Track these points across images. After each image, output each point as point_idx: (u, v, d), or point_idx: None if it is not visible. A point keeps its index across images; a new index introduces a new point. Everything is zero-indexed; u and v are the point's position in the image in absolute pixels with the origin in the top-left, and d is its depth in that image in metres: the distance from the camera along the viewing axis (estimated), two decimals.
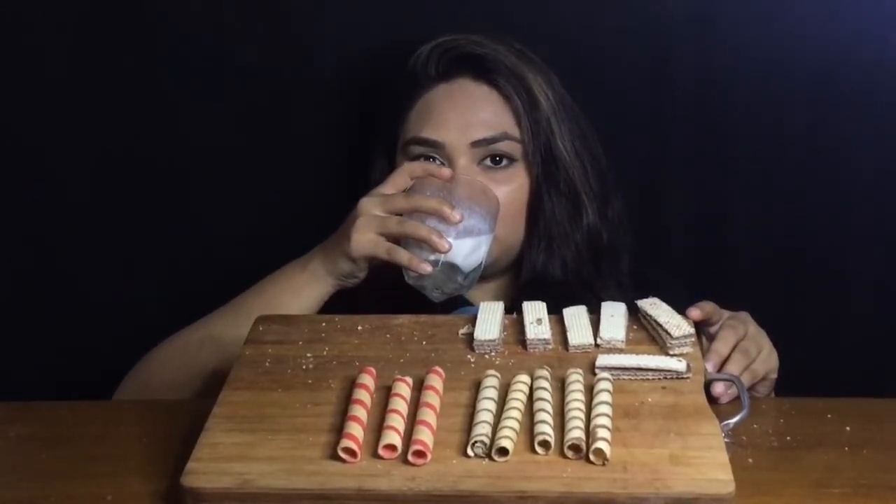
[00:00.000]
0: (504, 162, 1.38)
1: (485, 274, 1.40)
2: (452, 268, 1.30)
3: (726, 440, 1.01)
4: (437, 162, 1.38)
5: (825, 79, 1.56)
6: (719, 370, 1.15)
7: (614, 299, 1.20)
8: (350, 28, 1.56)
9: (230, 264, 1.60)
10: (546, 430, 0.98)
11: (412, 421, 1.00)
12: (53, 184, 1.61)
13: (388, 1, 1.56)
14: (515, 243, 1.41)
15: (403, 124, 1.41)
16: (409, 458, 0.96)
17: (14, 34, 1.56)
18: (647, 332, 1.16)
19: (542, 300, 1.18)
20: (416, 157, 1.39)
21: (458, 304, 1.38)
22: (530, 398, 1.04)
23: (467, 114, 1.38)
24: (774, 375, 1.25)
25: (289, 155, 1.62)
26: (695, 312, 1.17)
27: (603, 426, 0.98)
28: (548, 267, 1.39)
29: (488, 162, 1.38)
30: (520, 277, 1.42)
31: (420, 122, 1.39)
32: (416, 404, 1.03)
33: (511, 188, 1.38)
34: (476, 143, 1.37)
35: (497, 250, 1.38)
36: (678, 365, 1.08)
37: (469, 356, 1.13)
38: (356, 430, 0.99)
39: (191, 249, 1.64)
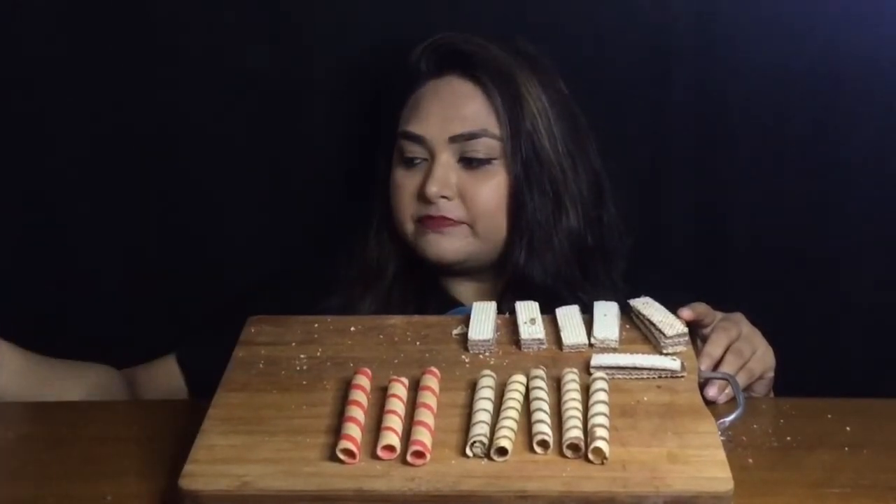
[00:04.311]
0: (483, 158, 1.38)
1: (468, 270, 1.40)
2: None
3: (723, 438, 1.01)
4: (419, 159, 1.38)
5: (825, 78, 1.55)
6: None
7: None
8: (351, 28, 1.56)
9: (231, 263, 1.60)
10: (544, 429, 0.98)
11: (409, 421, 1.00)
12: (54, 186, 1.61)
13: (389, 1, 1.57)
14: (498, 241, 1.40)
15: (398, 120, 1.41)
16: (408, 458, 0.96)
17: (14, 35, 1.56)
18: (639, 332, 1.16)
19: (525, 299, 1.19)
20: (404, 151, 1.39)
21: (451, 305, 1.38)
22: (527, 398, 1.04)
23: (449, 109, 1.39)
24: (771, 374, 1.24)
25: (289, 154, 1.62)
26: (686, 313, 1.17)
27: (601, 425, 0.98)
28: (529, 266, 1.39)
29: (468, 158, 1.38)
30: (503, 276, 1.42)
31: (408, 117, 1.41)
32: (412, 405, 1.03)
33: (490, 185, 1.38)
34: (454, 139, 1.38)
35: (479, 247, 1.39)
36: (673, 364, 1.08)
37: (463, 356, 1.13)
38: (354, 431, 0.99)
39: (191, 249, 1.63)
